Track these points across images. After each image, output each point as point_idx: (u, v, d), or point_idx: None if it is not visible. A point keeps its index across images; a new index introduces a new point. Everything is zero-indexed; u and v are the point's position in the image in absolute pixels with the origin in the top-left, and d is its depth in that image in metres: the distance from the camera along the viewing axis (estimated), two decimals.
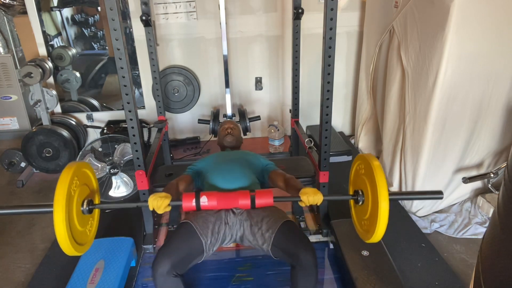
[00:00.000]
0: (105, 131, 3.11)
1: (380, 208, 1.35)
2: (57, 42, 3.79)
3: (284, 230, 1.56)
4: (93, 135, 3.31)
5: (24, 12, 3.06)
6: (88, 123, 3.33)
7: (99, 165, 2.52)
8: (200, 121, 2.92)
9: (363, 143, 3.21)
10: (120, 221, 2.30)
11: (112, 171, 2.49)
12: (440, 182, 2.34)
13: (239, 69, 3.29)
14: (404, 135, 2.40)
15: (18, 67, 3.36)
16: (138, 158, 1.94)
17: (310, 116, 3.36)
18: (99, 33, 4.18)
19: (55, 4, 3.78)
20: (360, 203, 1.53)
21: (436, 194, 1.50)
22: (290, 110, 2.87)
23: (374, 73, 2.90)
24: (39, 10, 3.03)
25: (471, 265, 1.99)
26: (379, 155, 2.98)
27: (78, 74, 3.50)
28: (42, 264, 2.06)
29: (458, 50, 1.98)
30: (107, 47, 4.16)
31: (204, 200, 1.56)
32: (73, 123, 3.18)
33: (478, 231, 2.19)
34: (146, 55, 2.69)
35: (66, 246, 1.34)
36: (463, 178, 2.26)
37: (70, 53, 3.41)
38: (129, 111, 1.82)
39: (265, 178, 1.94)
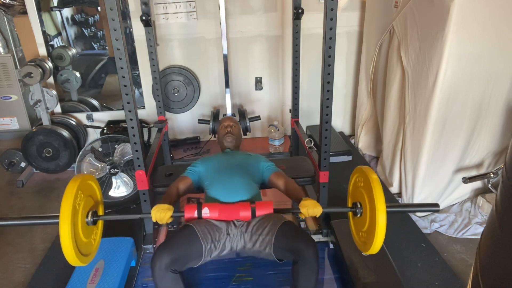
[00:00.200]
0: (105, 131, 3.10)
1: (377, 222, 1.39)
2: (57, 42, 3.79)
3: (284, 229, 1.57)
4: (93, 135, 3.31)
5: (24, 12, 3.05)
6: (88, 123, 3.32)
7: (99, 165, 2.52)
8: (200, 121, 2.92)
9: (363, 143, 3.21)
10: (120, 221, 2.28)
11: (112, 171, 2.49)
12: (440, 182, 2.34)
13: (239, 69, 3.29)
14: (404, 135, 2.40)
15: (18, 67, 3.36)
16: (138, 158, 1.94)
17: (310, 116, 3.36)
18: (99, 33, 4.19)
19: (55, 4, 3.78)
20: (359, 215, 1.58)
21: (433, 207, 1.60)
22: (290, 110, 2.87)
23: (374, 73, 2.90)
24: (39, 10, 3.03)
25: (471, 265, 1.97)
26: (379, 155, 2.98)
27: (78, 74, 3.50)
28: (42, 264, 2.06)
29: (458, 50, 1.98)
30: (107, 47, 4.16)
31: (206, 212, 1.63)
32: (73, 123, 3.18)
33: (478, 231, 2.19)
34: (146, 55, 2.69)
35: (72, 258, 1.39)
36: (463, 178, 2.27)
37: (70, 53, 3.41)
38: (129, 111, 1.82)
39: (265, 179, 1.95)
